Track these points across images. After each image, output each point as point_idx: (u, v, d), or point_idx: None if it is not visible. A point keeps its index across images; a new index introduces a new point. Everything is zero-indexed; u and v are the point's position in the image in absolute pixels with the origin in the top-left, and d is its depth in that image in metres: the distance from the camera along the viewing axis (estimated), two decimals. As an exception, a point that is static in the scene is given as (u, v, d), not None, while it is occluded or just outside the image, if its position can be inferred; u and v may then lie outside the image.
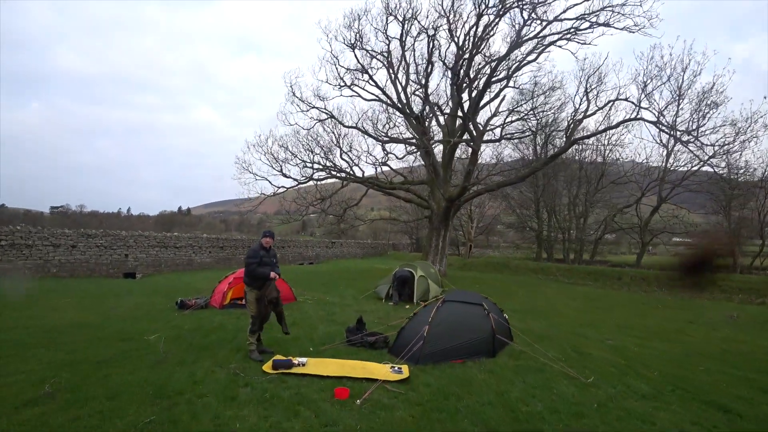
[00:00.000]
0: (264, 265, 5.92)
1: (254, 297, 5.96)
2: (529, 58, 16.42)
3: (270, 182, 18.57)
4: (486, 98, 16.34)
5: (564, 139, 17.64)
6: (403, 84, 18.76)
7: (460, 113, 15.14)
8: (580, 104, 16.45)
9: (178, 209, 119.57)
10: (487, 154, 27.90)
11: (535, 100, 18.38)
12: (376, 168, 19.81)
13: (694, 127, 13.63)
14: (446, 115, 16.48)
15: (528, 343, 7.14)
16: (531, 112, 18.39)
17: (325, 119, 19.36)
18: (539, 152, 26.74)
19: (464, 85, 14.20)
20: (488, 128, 17.15)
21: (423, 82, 16.95)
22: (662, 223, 24.11)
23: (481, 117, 18.30)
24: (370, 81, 18.12)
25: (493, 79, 15.41)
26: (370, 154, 20.06)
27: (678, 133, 14.13)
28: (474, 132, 15.18)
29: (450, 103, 18.48)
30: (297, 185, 18.73)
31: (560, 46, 16.15)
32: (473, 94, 15.49)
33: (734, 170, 22.04)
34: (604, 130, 16.01)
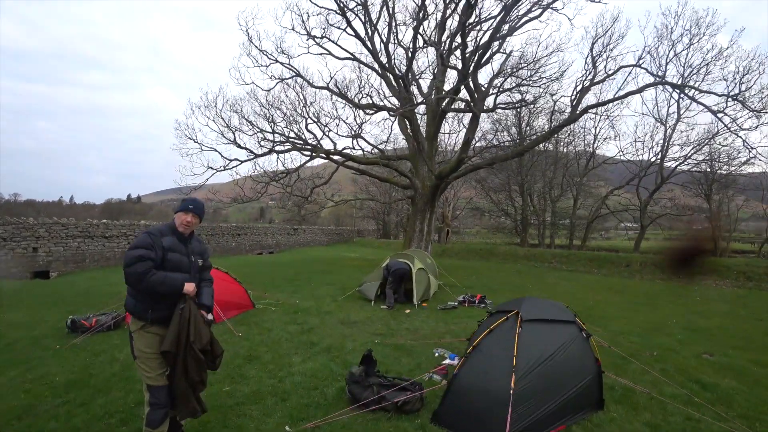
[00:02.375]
0: (172, 269, 2.79)
1: (151, 345, 2.76)
2: (532, 14, 13.72)
3: (221, 154, 14.93)
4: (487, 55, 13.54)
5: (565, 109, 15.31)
6: (385, 39, 15.63)
7: (458, 65, 12.18)
8: (589, 70, 14.18)
9: (127, 197, 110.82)
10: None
11: (533, 65, 15.83)
12: (352, 140, 16.62)
13: (735, 91, 11.58)
14: (439, 67, 13.45)
15: (617, 368, 4.98)
16: (526, 80, 15.83)
17: (290, 78, 15.83)
18: (524, 128, 24.46)
19: (468, 27, 11.38)
20: (491, 91, 14.30)
21: (417, 17, 13.56)
22: (653, 204, 22.81)
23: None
24: (348, 29, 14.71)
25: (499, 34, 12.59)
26: (344, 121, 16.80)
27: (699, 96, 12.15)
28: (475, 93, 12.41)
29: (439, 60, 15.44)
30: (254, 158, 15.22)
31: (556, 10, 13.65)
32: (469, 46, 12.66)
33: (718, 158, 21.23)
34: (624, 96, 13.80)
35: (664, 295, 11.39)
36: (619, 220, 26.57)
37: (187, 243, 2.97)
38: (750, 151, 14.44)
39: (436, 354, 5.58)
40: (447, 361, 5.30)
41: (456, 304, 9.19)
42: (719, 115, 12.73)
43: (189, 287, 2.80)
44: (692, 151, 20.81)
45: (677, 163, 21.33)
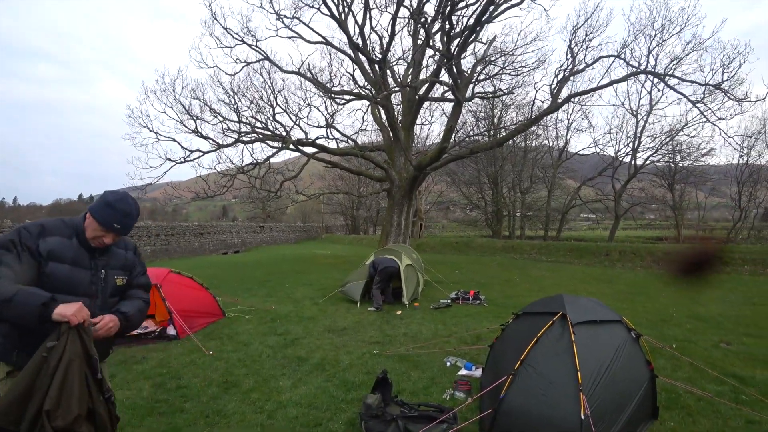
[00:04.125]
0: (55, 289, 1.67)
1: None
2: (512, 1, 13.08)
3: (180, 144, 13.43)
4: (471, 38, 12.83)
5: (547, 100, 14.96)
6: (360, 22, 14.65)
7: (438, 45, 11.43)
8: (569, 60, 13.83)
9: (78, 197, 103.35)
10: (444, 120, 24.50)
11: (513, 52, 15.33)
12: (326, 129, 15.54)
13: (716, 81, 11.47)
14: (417, 45, 12.64)
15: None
16: (506, 68, 15.37)
17: (257, 62, 14.48)
18: (496, 121, 24.19)
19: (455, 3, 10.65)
20: (474, 77, 13.64)
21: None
22: (626, 196, 23.29)
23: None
24: (323, 6, 13.51)
25: (484, 18, 11.92)
26: (317, 108, 15.70)
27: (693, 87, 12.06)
28: (458, 79, 11.69)
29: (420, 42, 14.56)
30: (218, 149, 13.82)
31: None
32: (457, 28, 11.95)
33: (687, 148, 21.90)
34: (608, 85, 13.51)
35: (652, 284, 11.21)
36: (591, 211, 27.06)
37: (97, 250, 1.88)
38: (726, 140, 14.63)
39: (448, 364, 4.81)
40: (463, 372, 4.56)
41: (449, 302, 8.49)
42: (698, 105, 12.72)
43: (66, 309, 1.56)
44: (662, 144, 21.28)
45: (649, 153, 21.79)
